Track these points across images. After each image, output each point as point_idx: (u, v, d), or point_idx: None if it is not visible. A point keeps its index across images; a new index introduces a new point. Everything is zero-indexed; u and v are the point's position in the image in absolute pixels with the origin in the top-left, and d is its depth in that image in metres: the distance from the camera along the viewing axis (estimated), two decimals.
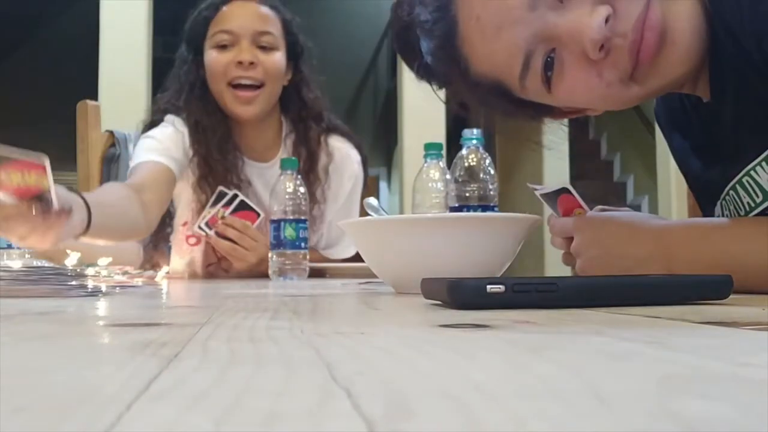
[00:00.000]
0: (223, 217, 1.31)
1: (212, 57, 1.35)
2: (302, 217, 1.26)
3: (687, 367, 0.22)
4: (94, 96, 3.15)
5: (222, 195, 1.34)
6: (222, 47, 1.35)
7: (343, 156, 1.47)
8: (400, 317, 0.44)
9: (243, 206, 1.32)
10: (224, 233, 1.30)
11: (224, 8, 1.36)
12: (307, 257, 1.26)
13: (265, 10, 1.38)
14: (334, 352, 0.26)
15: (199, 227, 1.33)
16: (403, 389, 0.19)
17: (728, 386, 0.19)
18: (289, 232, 1.24)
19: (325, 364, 0.23)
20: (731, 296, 0.48)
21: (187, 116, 1.38)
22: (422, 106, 3.66)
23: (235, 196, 1.32)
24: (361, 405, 0.16)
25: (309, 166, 1.39)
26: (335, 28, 6.35)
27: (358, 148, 1.51)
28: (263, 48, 1.35)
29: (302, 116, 1.42)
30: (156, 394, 0.18)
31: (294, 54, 1.41)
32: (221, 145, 1.37)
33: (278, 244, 1.25)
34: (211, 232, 1.31)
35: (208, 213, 1.33)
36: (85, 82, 3.26)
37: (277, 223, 1.25)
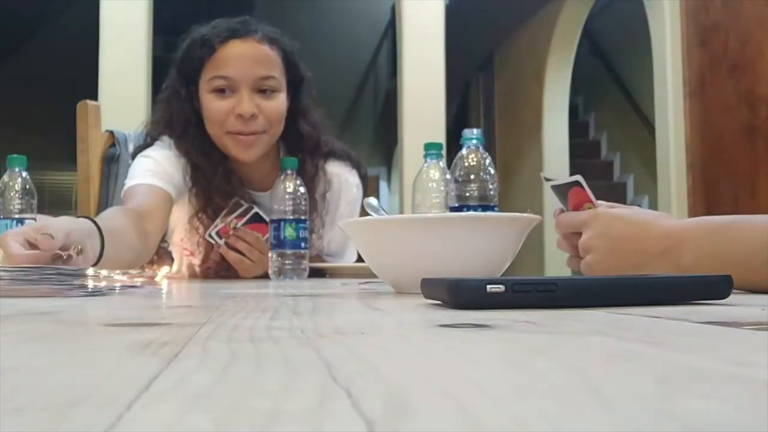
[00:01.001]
0: (235, 228, 1.29)
1: (209, 103, 1.26)
2: (302, 217, 1.25)
3: (687, 367, 0.22)
4: (94, 96, 3.14)
5: (237, 206, 1.32)
6: (220, 91, 1.26)
7: (341, 182, 1.43)
8: (400, 317, 0.44)
9: (256, 218, 1.30)
10: (234, 245, 1.28)
11: (221, 49, 1.24)
12: (307, 257, 1.26)
13: (266, 49, 1.26)
14: (334, 352, 0.26)
15: (210, 236, 1.32)
16: (403, 389, 0.19)
17: (728, 386, 0.19)
18: (289, 232, 1.24)
19: (325, 364, 0.23)
20: (731, 296, 0.48)
21: (185, 155, 1.32)
22: (422, 106, 3.66)
23: (251, 208, 1.30)
24: (361, 405, 0.16)
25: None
26: (335, 28, 6.35)
27: (357, 167, 1.46)
28: (264, 91, 1.27)
29: (299, 147, 1.36)
30: (156, 394, 0.18)
31: (294, 85, 1.33)
32: (222, 185, 1.32)
33: (278, 244, 1.24)
34: (221, 242, 1.30)
35: (221, 222, 1.31)
36: (85, 82, 3.26)
37: (277, 223, 1.25)
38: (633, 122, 5.59)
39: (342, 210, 1.45)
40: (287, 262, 1.24)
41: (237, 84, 1.25)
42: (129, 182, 1.30)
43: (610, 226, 0.71)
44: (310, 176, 1.34)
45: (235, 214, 1.31)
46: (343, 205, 1.45)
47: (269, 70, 1.26)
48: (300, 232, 1.24)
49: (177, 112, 1.32)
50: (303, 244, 1.24)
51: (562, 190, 0.78)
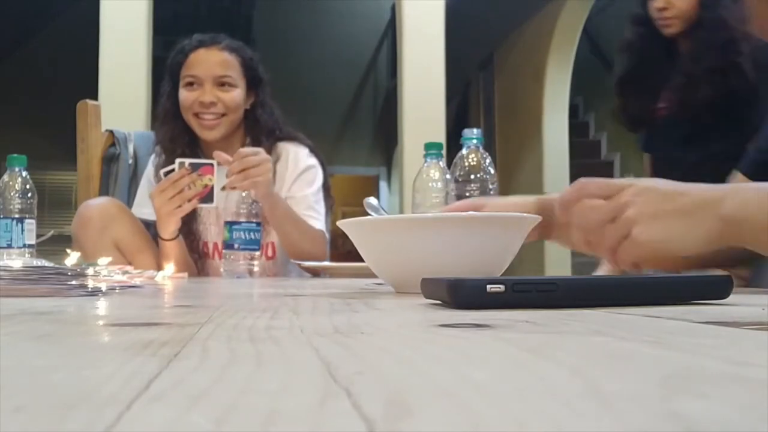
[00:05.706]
0: (202, 179, 1.43)
1: (182, 94, 1.61)
2: (249, 220, 1.39)
3: (687, 367, 0.22)
4: (94, 96, 3.14)
5: (172, 170, 1.42)
6: (190, 85, 1.60)
7: (290, 153, 1.66)
8: (400, 317, 0.44)
9: (197, 166, 1.43)
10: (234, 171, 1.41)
11: (192, 55, 1.62)
12: (255, 258, 1.40)
13: (225, 55, 1.61)
14: (334, 352, 0.26)
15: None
16: (403, 389, 0.19)
17: (728, 386, 0.19)
18: (225, 234, 1.40)
19: (325, 364, 0.23)
20: (731, 296, 0.48)
21: (162, 130, 1.63)
22: (422, 106, 3.66)
23: (182, 163, 1.42)
24: (361, 405, 0.16)
25: None
26: (335, 28, 6.34)
27: (309, 147, 1.69)
28: (223, 85, 1.59)
29: (256, 133, 1.66)
30: (156, 394, 0.18)
31: (253, 84, 1.65)
32: (184, 149, 1.59)
33: (230, 245, 1.39)
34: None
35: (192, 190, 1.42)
36: (85, 82, 3.26)
37: (230, 224, 1.40)
38: None
39: (290, 175, 1.64)
40: (230, 261, 1.39)
41: (202, 80, 1.59)
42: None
43: (649, 186, 0.65)
44: (265, 152, 1.59)
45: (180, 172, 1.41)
46: (290, 171, 1.64)
47: (226, 70, 1.61)
48: (233, 234, 1.39)
49: (165, 102, 1.66)
50: (236, 245, 1.39)
51: None
